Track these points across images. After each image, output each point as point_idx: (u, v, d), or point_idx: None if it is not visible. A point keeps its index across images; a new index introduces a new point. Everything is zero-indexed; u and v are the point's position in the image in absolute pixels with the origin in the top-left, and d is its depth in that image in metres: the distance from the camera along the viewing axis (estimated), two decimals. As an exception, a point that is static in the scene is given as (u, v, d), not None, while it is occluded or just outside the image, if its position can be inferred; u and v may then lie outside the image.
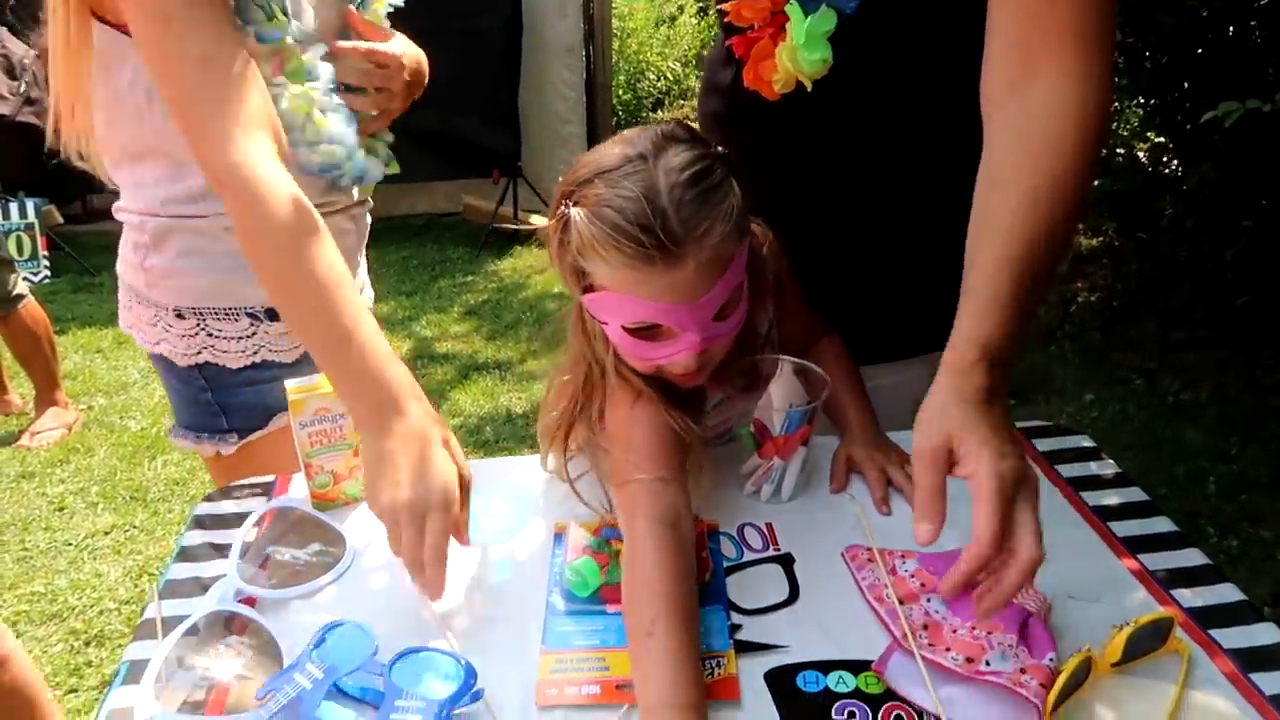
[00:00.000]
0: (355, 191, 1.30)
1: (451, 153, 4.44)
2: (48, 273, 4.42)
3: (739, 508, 1.09)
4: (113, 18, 1.04)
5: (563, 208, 0.90)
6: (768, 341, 1.10)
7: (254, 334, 1.23)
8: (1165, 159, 4.37)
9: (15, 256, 4.32)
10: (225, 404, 1.26)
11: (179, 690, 0.85)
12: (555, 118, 5.01)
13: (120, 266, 1.24)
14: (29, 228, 4.38)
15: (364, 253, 1.40)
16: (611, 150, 0.91)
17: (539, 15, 4.79)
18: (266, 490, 1.13)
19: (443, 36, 4.10)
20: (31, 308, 2.99)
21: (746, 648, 0.89)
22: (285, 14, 1.07)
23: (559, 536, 1.05)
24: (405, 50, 1.23)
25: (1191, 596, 0.94)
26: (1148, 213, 4.09)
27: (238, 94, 0.97)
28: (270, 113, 1.02)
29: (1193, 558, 1.00)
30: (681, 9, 6.80)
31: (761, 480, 1.10)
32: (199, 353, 1.22)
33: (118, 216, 1.21)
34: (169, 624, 0.91)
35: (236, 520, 1.07)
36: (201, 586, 0.97)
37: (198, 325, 1.21)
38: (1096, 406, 3.07)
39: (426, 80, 1.29)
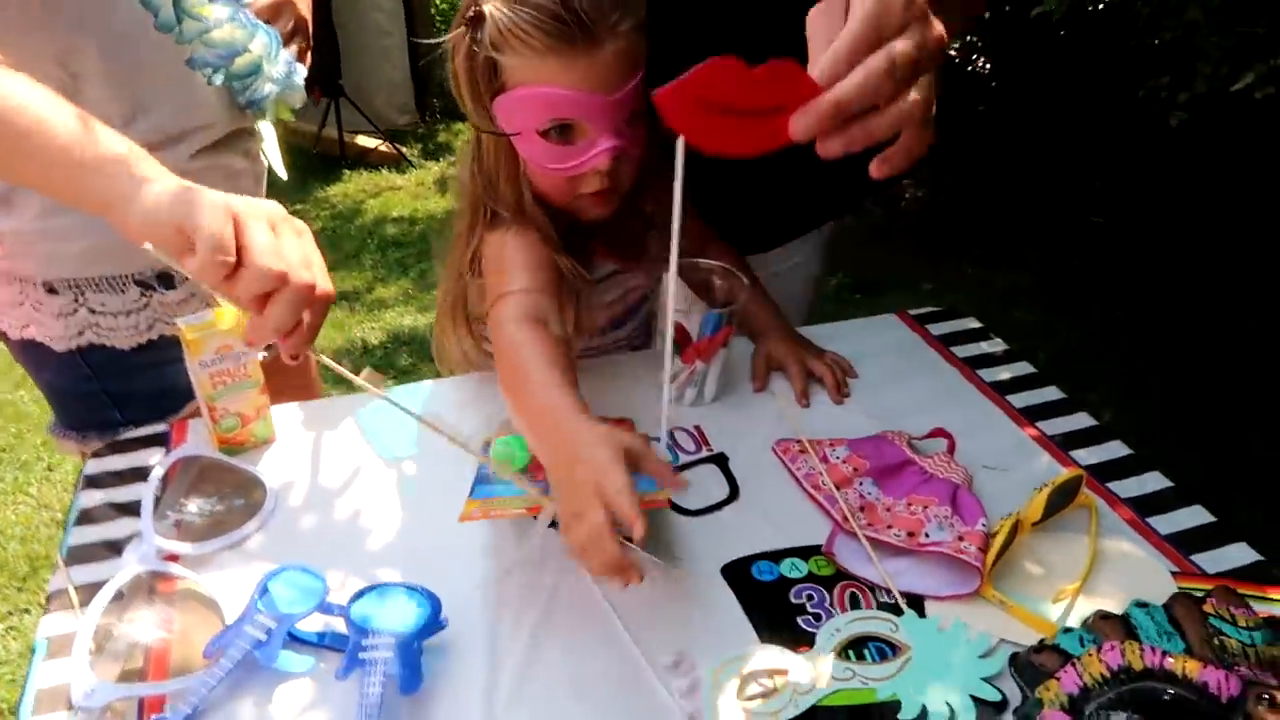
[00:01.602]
0: (262, 128, 1.16)
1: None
2: None
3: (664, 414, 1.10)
4: None
5: (473, 9, 0.88)
6: (652, 225, 1.08)
7: (146, 305, 1.06)
8: (975, 58, 4.61)
9: None
10: (117, 393, 1.09)
11: (112, 661, 0.79)
12: (374, 30, 4.72)
13: None
14: None
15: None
16: None
17: (347, -82, 4.47)
18: (160, 440, 1.05)
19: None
20: None
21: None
22: None
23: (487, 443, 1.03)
24: None
25: (1087, 456, 1.03)
26: (964, 113, 4.31)
27: None
28: None
29: (1082, 420, 1.09)
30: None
31: (685, 385, 1.11)
32: (80, 333, 1.05)
33: None
34: (84, 593, 0.83)
35: (134, 475, 0.99)
36: (112, 549, 0.89)
37: (75, 301, 1.03)
38: (933, 297, 3.25)
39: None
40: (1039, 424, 1.08)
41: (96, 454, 1.03)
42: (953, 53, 4.72)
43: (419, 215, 4.05)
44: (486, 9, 0.87)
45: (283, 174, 1.23)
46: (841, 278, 3.37)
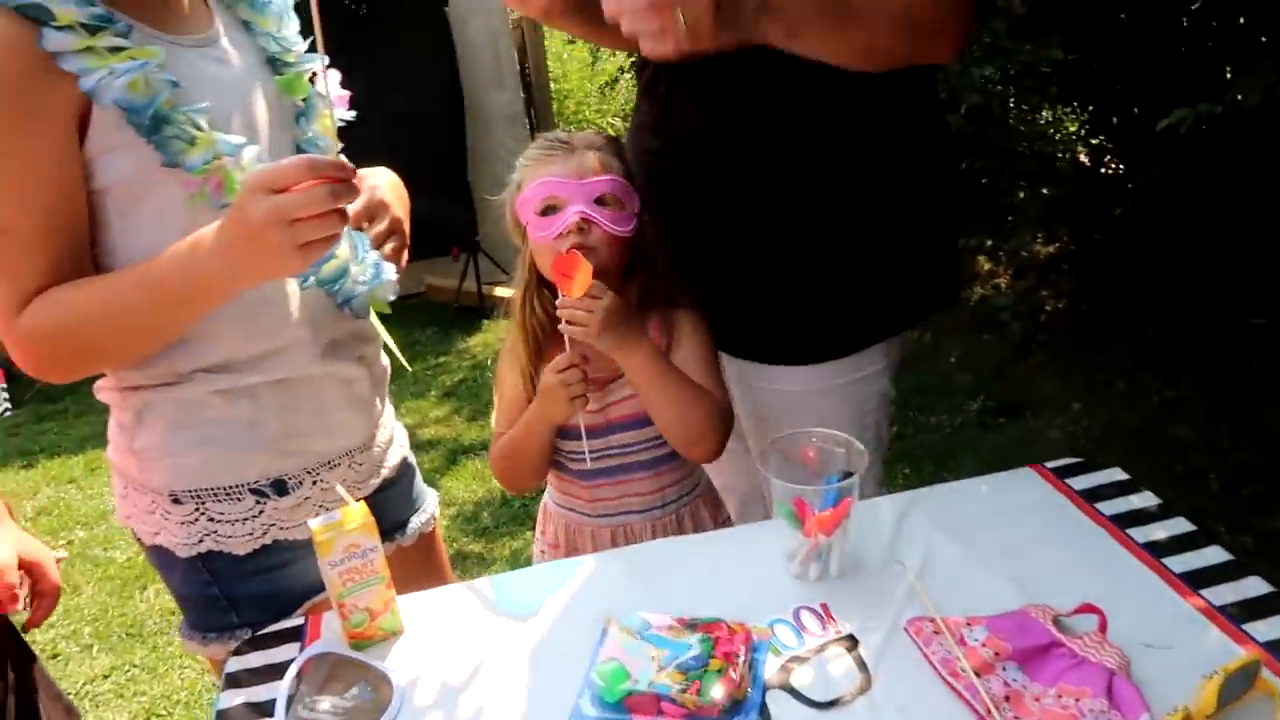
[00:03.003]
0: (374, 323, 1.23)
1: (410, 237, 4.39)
2: (8, 405, 4.30)
3: (788, 591, 1.06)
4: None
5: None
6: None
7: (260, 513, 1.12)
8: (1106, 160, 4.48)
9: (-28, 392, 4.23)
10: (234, 597, 1.13)
11: None
12: (506, 188, 5.02)
13: (110, 453, 1.14)
14: (-17, 361, 4.28)
15: (386, 401, 1.32)
16: None
17: (478, 89, 4.81)
18: (297, 635, 1.08)
19: (385, 122, 4.13)
20: None
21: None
22: (202, 128, 0.99)
23: (604, 631, 1.01)
24: (371, 184, 1.18)
25: (1267, 630, 0.93)
26: (1098, 215, 4.17)
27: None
28: None
29: (1256, 586, 0.98)
30: (622, 69, 6.94)
31: (809, 559, 1.07)
32: (200, 541, 1.10)
33: (99, 397, 1.12)
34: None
35: (271, 673, 1.02)
36: (249, 753, 0.92)
37: (197, 510, 1.09)
38: (1085, 415, 3.09)
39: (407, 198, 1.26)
40: (1204, 592, 0.98)
41: (238, 650, 1.07)
42: (1083, 158, 4.62)
43: (553, 360, 4.17)
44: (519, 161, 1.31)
45: (406, 366, 1.30)
46: (982, 400, 3.24)
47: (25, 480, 3.60)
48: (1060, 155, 4.65)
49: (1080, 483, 1.18)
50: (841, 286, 1.34)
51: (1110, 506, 1.13)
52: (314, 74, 1.16)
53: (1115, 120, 4.11)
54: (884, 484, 1.53)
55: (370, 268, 1.16)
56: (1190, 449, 2.74)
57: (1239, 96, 2.20)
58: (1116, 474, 1.19)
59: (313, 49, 1.15)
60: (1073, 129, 4.63)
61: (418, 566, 1.33)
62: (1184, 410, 2.99)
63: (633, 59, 7.12)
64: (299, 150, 1.16)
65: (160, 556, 1.14)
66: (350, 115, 1.21)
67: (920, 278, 1.40)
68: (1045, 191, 4.53)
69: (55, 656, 2.54)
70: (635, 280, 1.30)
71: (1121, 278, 3.81)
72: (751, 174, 1.31)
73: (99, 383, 1.12)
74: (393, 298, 1.20)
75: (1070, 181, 4.48)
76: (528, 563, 2.77)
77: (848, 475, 1.05)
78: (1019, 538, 1.10)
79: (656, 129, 1.39)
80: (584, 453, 1.32)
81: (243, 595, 1.14)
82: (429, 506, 1.38)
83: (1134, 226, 3.91)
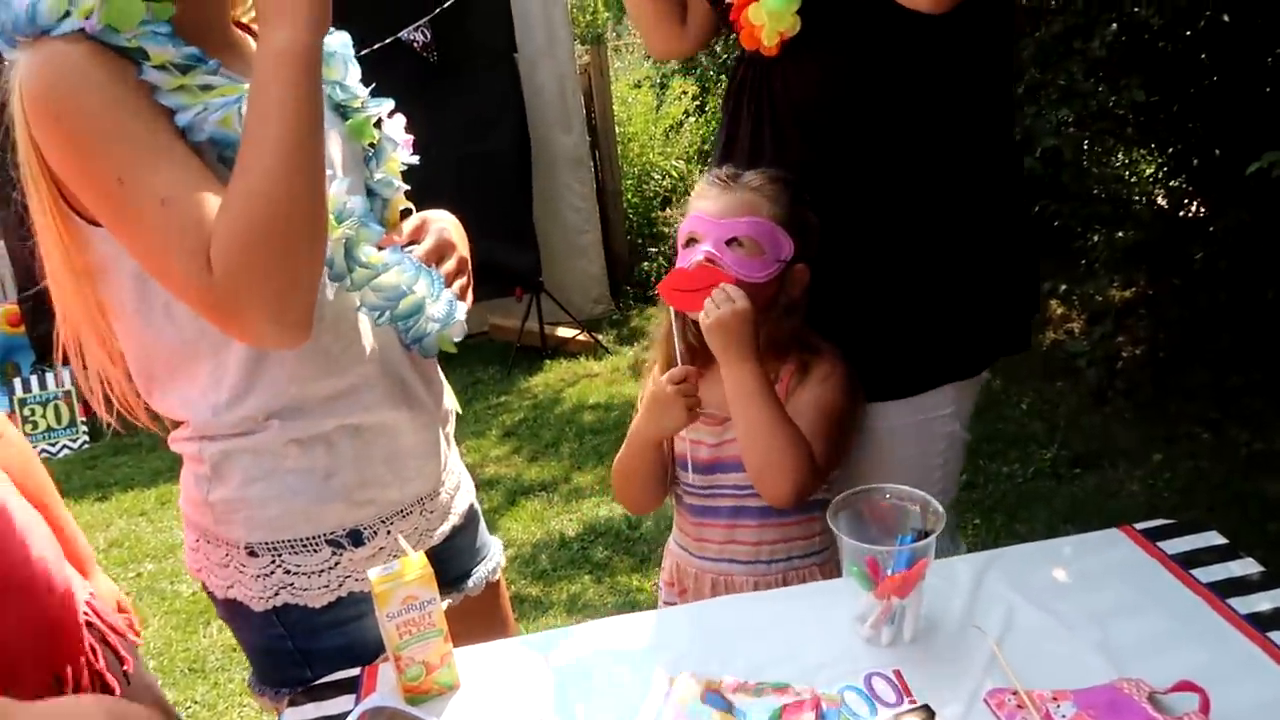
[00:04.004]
0: (445, 404, 1.24)
1: (473, 276, 4.44)
2: (86, 438, 4.43)
3: (860, 655, 1.01)
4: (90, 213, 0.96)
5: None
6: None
7: (337, 564, 1.10)
8: (1187, 203, 4.35)
9: (54, 425, 4.34)
10: (309, 651, 1.12)
11: None
12: (571, 229, 5.05)
13: (184, 504, 1.13)
14: (66, 395, 4.40)
15: (453, 444, 1.28)
16: None
17: (545, 131, 4.87)
18: (352, 686, 1.07)
19: (453, 162, 4.20)
20: None
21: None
22: None
23: (670, 686, 0.98)
24: (439, 224, 1.21)
25: (1387, 715, 0.85)
26: (1177, 259, 4.03)
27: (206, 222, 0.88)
28: None
29: (1374, 667, 0.91)
30: (687, 113, 6.98)
31: (881, 622, 1.02)
32: (276, 594, 1.09)
33: (174, 448, 1.11)
34: None
35: (328, 725, 1.00)
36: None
37: (273, 562, 1.08)
38: (1167, 466, 2.95)
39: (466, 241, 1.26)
40: (1316, 671, 0.91)
41: (293, 701, 1.06)
42: (1161, 201, 4.48)
43: (615, 401, 4.16)
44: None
45: (457, 408, 1.29)
46: (1056, 450, 3.13)
47: (99, 513, 3.68)
48: (1136, 198, 4.53)
49: (1173, 546, 1.11)
50: (910, 324, 1.33)
51: (1208, 573, 1.06)
52: (380, 119, 1.16)
53: (1196, 162, 3.98)
54: (957, 534, 1.49)
55: (445, 305, 1.15)
56: (1282, 505, 2.61)
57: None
58: (1213, 538, 1.12)
59: (375, 94, 1.16)
60: (1149, 171, 4.51)
61: (482, 616, 1.31)
62: (1275, 464, 2.84)
63: (697, 102, 7.20)
64: (369, 191, 1.16)
65: (233, 610, 1.12)
66: (414, 159, 1.22)
67: (991, 321, 1.38)
68: (1121, 235, 4.41)
69: (120, 690, 2.57)
70: (768, 322, 1.28)
71: (1203, 324, 3.67)
72: (828, 209, 1.30)
73: (174, 433, 1.11)
74: (459, 338, 1.18)
75: (1147, 225, 4.35)
76: (585, 608, 2.75)
77: (924, 535, 1.00)
78: (1107, 604, 1.03)
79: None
80: (690, 482, 1.35)
81: (316, 649, 1.12)
82: (495, 555, 1.36)
83: (1216, 271, 3.77)
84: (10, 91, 0.92)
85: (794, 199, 1.29)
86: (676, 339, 1.29)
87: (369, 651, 1.11)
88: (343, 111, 1.15)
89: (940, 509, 1.01)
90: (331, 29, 0.95)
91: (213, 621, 2.81)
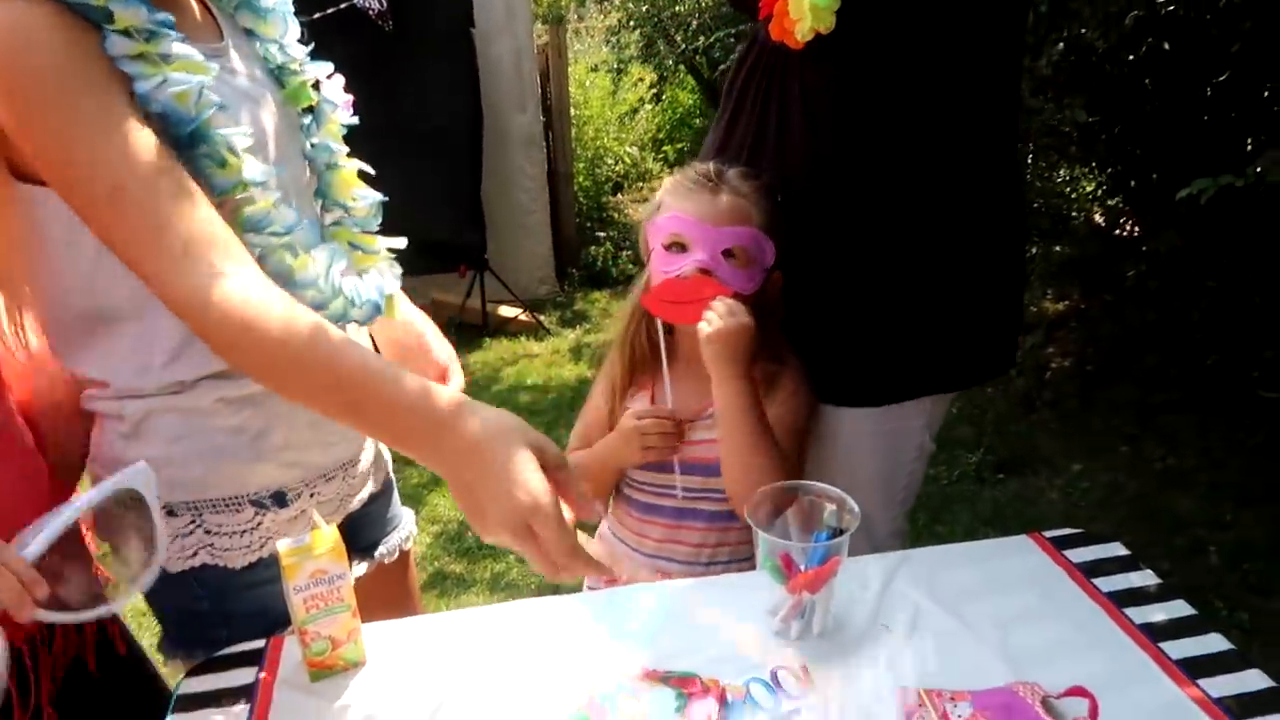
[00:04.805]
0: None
1: (418, 250, 4.34)
2: None
3: (768, 649, 1.02)
4: (34, 174, 0.93)
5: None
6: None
7: (259, 525, 1.08)
8: (1123, 221, 4.46)
9: None
10: (227, 612, 1.09)
11: None
12: (519, 209, 5.01)
13: (92, 464, 1.08)
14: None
15: None
16: None
17: (499, 110, 4.81)
18: (256, 659, 1.04)
19: (405, 136, 4.12)
20: None
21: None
22: (236, 153, 0.96)
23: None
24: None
25: (1265, 727, 0.89)
26: (1110, 276, 4.14)
27: (175, 216, 0.88)
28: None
29: (1257, 680, 0.94)
30: (644, 100, 6.96)
31: (791, 616, 1.03)
32: (194, 554, 1.06)
33: (89, 407, 1.06)
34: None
35: (227, 698, 0.98)
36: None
37: (193, 522, 1.05)
38: (1086, 477, 3.04)
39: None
40: (1202, 682, 0.94)
41: (192, 671, 1.03)
42: (1098, 218, 4.60)
43: (553, 383, 4.14)
44: (667, 180, 1.31)
45: None
46: (981, 454, 3.20)
47: None
48: (1075, 214, 4.63)
49: (1079, 555, 1.14)
50: (896, 333, 1.33)
51: (1109, 583, 1.09)
52: (317, 81, 1.13)
53: (1133, 184, 4.09)
54: (906, 540, 1.51)
55: (369, 309, 1.13)
56: (1191, 521, 2.70)
57: (1258, 170, 2.18)
58: (1117, 549, 1.15)
59: (314, 56, 1.13)
60: (1089, 189, 4.62)
61: (390, 586, 1.30)
62: (1187, 481, 2.94)
63: (654, 90, 7.18)
64: (307, 159, 1.13)
65: None
66: (354, 120, 1.19)
67: (975, 338, 1.39)
68: (1057, 249, 4.51)
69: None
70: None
71: (1131, 341, 3.78)
72: (825, 208, 1.30)
73: (88, 391, 1.06)
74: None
75: (1083, 241, 4.47)
76: (508, 588, 2.73)
77: (838, 532, 1.02)
78: (1012, 609, 1.05)
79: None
80: (676, 487, 1.32)
81: (236, 610, 1.10)
82: (407, 524, 1.35)
83: (1146, 290, 3.88)
84: None
85: (774, 203, 1.27)
86: (664, 355, 1.26)
87: (285, 615, 1.09)
88: (278, 74, 1.11)
89: (856, 508, 1.02)
90: None
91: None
